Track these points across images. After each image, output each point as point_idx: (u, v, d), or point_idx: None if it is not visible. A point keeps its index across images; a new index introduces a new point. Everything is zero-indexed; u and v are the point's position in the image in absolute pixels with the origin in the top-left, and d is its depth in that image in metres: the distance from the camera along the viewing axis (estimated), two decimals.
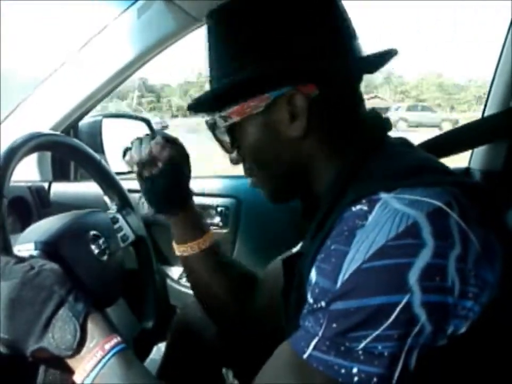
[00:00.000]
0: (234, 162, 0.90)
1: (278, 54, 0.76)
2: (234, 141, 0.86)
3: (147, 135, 1.07)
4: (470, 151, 1.81)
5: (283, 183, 0.86)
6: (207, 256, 1.11)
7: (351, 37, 0.80)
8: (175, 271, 1.92)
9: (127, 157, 1.06)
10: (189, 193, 1.11)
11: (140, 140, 1.06)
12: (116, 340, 0.78)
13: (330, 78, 0.78)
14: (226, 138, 0.86)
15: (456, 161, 1.50)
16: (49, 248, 0.98)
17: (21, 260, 0.83)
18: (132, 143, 1.07)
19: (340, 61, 0.78)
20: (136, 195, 1.76)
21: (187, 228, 1.10)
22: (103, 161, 1.32)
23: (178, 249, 1.12)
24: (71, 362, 0.77)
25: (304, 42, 0.76)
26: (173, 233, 1.12)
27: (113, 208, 1.34)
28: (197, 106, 0.88)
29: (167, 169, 1.04)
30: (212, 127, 0.87)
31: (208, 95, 0.84)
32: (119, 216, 1.31)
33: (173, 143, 1.06)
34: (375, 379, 0.60)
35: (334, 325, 0.61)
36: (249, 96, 0.79)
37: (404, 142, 0.83)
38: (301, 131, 0.77)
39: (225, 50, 0.81)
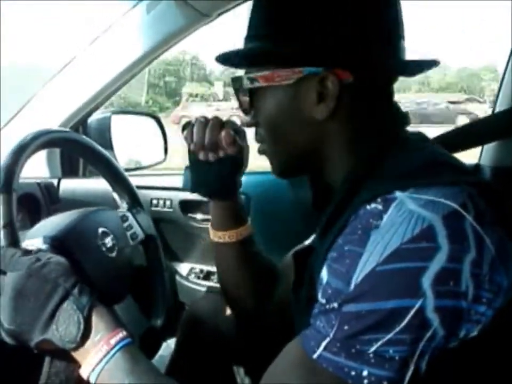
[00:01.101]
0: (247, 125, 0.89)
1: (322, 32, 0.73)
2: (253, 105, 0.84)
3: (215, 118, 1.02)
4: (480, 148, 1.80)
5: (292, 160, 0.84)
6: (241, 246, 1.10)
7: (399, 36, 0.78)
8: (184, 268, 1.93)
9: (187, 133, 1.02)
10: (238, 184, 1.09)
11: (206, 119, 1.02)
12: (122, 334, 0.78)
13: (367, 70, 0.76)
14: (247, 100, 0.85)
15: (466, 157, 1.49)
16: (58, 243, 0.98)
17: (27, 252, 0.83)
18: (196, 119, 1.03)
19: (382, 57, 0.76)
20: (145, 191, 1.77)
21: (229, 216, 1.09)
22: (112, 159, 1.32)
23: (216, 235, 1.10)
24: (76, 355, 0.78)
25: (352, 28, 0.73)
26: (213, 218, 1.11)
27: (123, 206, 1.34)
28: (226, 59, 0.85)
29: (227, 160, 1.02)
30: (237, 84, 0.85)
31: (242, 52, 0.82)
32: (129, 214, 1.31)
33: (240, 136, 1.02)
34: (385, 382, 0.59)
35: (346, 327, 0.60)
36: (282, 65, 0.77)
37: (420, 137, 0.82)
38: (325, 114, 0.75)
39: (272, 12, 0.78)
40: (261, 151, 0.88)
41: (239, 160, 1.04)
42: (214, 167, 1.02)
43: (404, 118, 0.82)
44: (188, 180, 1.07)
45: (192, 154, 1.04)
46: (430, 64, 0.82)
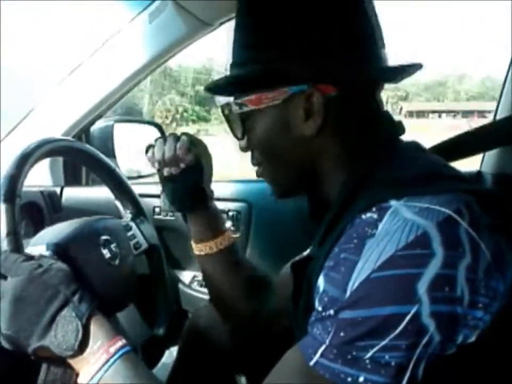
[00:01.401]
0: (242, 150, 0.89)
1: (301, 50, 0.75)
2: (245, 129, 0.85)
3: (171, 134, 1.07)
4: (481, 155, 1.80)
5: (289, 178, 0.85)
6: (223, 255, 1.11)
7: (378, 44, 0.79)
8: (187, 276, 1.93)
9: (149, 154, 1.06)
10: (209, 194, 1.11)
11: (164, 138, 1.06)
12: (121, 342, 0.78)
13: (350, 81, 0.77)
14: (238, 125, 0.86)
15: (468, 164, 1.49)
16: (61, 250, 0.99)
17: (30, 258, 0.84)
18: (155, 141, 1.07)
19: (363, 67, 0.77)
20: (148, 199, 1.78)
21: (205, 227, 1.10)
22: (116, 168, 1.32)
23: (196, 248, 1.12)
24: (74, 363, 0.78)
25: (329, 43, 0.74)
26: (191, 232, 1.12)
27: (126, 216, 1.34)
28: (214, 88, 0.88)
29: (189, 170, 1.05)
30: (226, 111, 0.87)
31: (228, 80, 0.84)
32: (132, 224, 1.31)
33: (197, 145, 1.06)
34: None
35: (342, 334, 0.61)
36: (267, 87, 0.78)
37: (416, 146, 0.82)
38: (314, 130, 0.77)
39: (250, 38, 0.80)
40: (258, 174, 0.89)
41: (201, 169, 1.07)
42: (179, 181, 1.07)
43: (396, 127, 0.83)
44: (163, 202, 1.11)
45: (159, 174, 1.09)
46: (413, 68, 0.83)
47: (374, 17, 0.80)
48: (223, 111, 0.88)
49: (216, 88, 0.87)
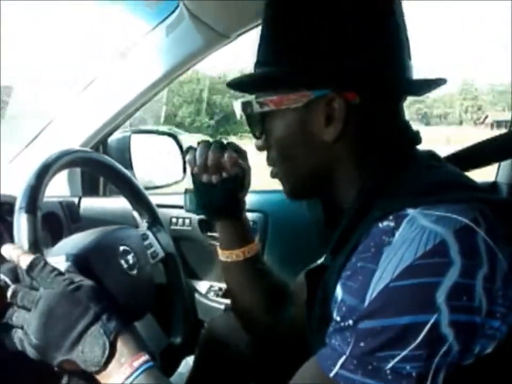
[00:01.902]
0: (259, 149, 0.90)
1: (327, 54, 0.75)
2: (264, 129, 0.86)
3: (216, 142, 1.05)
4: (496, 165, 1.79)
5: (304, 181, 0.85)
6: (249, 264, 1.11)
7: (405, 56, 0.79)
8: (203, 286, 1.93)
9: (189, 157, 1.05)
10: (242, 204, 1.11)
11: (208, 143, 1.05)
12: (145, 357, 0.78)
13: (374, 91, 0.77)
14: (258, 124, 0.86)
15: (483, 175, 1.48)
16: (80, 260, 1.00)
17: (61, 272, 0.85)
18: (198, 143, 1.06)
19: (388, 77, 0.77)
20: (165, 210, 1.78)
21: (235, 235, 1.11)
22: (133, 178, 1.34)
23: (223, 255, 1.12)
24: (100, 377, 0.78)
25: (356, 50, 0.74)
26: (219, 238, 1.13)
27: (143, 225, 1.35)
28: (236, 85, 0.88)
29: (229, 180, 1.05)
30: (247, 108, 0.86)
31: (252, 77, 0.84)
32: (149, 233, 1.32)
33: (242, 157, 1.05)
34: None
35: (362, 344, 0.60)
36: (290, 89, 0.78)
37: (431, 156, 0.82)
38: (333, 136, 0.77)
39: (278, 38, 0.80)
40: (273, 174, 0.89)
41: (241, 180, 1.07)
42: (217, 188, 1.05)
43: (413, 137, 0.83)
44: (190, 202, 1.09)
45: (195, 177, 1.07)
46: (437, 83, 0.83)
47: (403, 27, 0.80)
48: (244, 109, 0.87)
49: (239, 85, 0.88)
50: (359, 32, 0.75)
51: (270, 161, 0.89)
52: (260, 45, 0.83)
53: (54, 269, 0.84)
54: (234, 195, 1.08)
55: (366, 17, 0.76)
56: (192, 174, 1.08)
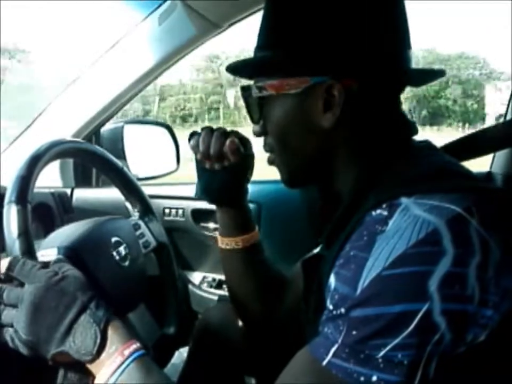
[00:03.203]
0: (256, 134, 0.90)
1: (329, 41, 0.75)
2: (262, 114, 0.85)
3: (220, 129, 1.04)
4: (491, 155, 1.79)
5: (301, 168, 0.85)
6: (248, 253, 1.11)
7: (405, 45, 0.79)
8: (197, 277, 1.93)
9: (193, 143, 1.04)
10: (244, 191, 1.11)
11: (211, 130, 1.04)
12: (135, 345, 0.78)
13: (373, 79, 0.77)
14: (256, 109, 0.86)
15: (478, 165, 1.48)
16: (72, 253, 0.99)
17: (45, 265, 0.84)
18: (202, 129, 1.05)
19: (388, 65, 0.77)
20: (158, 200, 1.78)
21: (236, 223, 1.10)
22: (125, 168, 1.33)
23: (222, 242, 1.12)
24: (91, 367, 0.78)
25: (356, 37, 0.74)
26: (220, 225, 1.12)
27: (135, 214, 1.35)
28: (236, 69, 0.88)
29: (232, 169, 1.04)
30: (245, 93, 0.87)
31: (251, 61, 0.84)
32: (141, 222, 1.32)
33: (245, 145, 1.04)
34: None
35: (354, 332, 0.61)
36: (290, 74, 0.78)
37: (428, 145, 0.82)
38: (331, 122, 0.76)
39: (278, 23, 0.80)
40: (270, 161, 0.89)
41: (244, 168, 1.07)
42: (220, 175, 1.05)
43: (410, 127, 0.83)
44: (196, 188, 1.08)
45: (199, 163, 1.07)
46: (436, 74, 0.83)
47: (403, 17, 0.80)
48: (242, 93, 0.87)
49: (239, 69, 0.88)
50: (359, 20, 0.75)
51: (267, 147, 0.88)
52: (260, 30, 0.83)
53: (36, 263, 0.84)
54: (236, 183, 1.07)
55: (366, 5, 0.76)
56: (196, 161, 1.07)
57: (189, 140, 1.05)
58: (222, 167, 1.04)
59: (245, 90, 0.87)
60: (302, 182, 0.89)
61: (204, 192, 1.08)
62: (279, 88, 0.80)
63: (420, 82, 0.87)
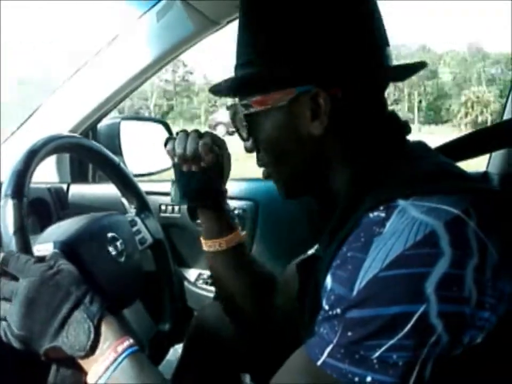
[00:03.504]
0: (248, 150, 0.89)
1: (308, 51, 0.75)
2: (251, 130, 0.85)
3: (194, 131, 1.05)
4: (488, 155, 1.79)
5: (296, 179, 0.85)
6: (232, 253, 1.11)
7: (383, 44, 0.79)
8: (193, 273, 1.93)
9: (169, 146, 1.04)
10: (224, 193, 1.11)
11: (186, 133, 1.04)
12: (128, 342, 0.78)
13: (356, 82, 0.77)
14: (244, 127, 0.85)
15: (474, 165, 1.48)
16: (68, 248, 0.99)
17: (40, 259, 0.84)
18: (176, 133, 1.06)
19: (368, 67, 0.77)
20: (154, 197, 1.78)
21: (217, 224, 1.10)
22: (121, 164, 1.33)
23: (206, 244, 1.12)
24: (84, 363, 0.78)
25: (334, 44, 0.75)
26: (202, 228, 1.13)
27: (131, 211, 1.34)
28: (219, 89, 0.88)
29: (209, 170, 1.04)
30: (232, 112, 0.87)
31: (233, 81, 0.84)
32: (137, 219, 1.32)
33: (219, 145, 1.05)
34: None
35: (349, 333, 0.61)
36: (274, 88, 0.78)
37: (422, 146, 0.82)
38: (320, 130, 0.76)
39: (254, 39, 0.80)
40: (265, 175, 0.89)
41: (220, 169, 1.08)
42: (197, 178, 1.06)
43: (403, 127, 0.83)
44: (174, 193, 1.09)
45: (176, 167, 1.08)
46: (417, 67, 0.84)
47: (377, 14, 0.80)
48: (229, 113, 0.87)
49: (222, 89, 0.87)
50: (335, 27, 0.75)
51: (260, 162, 0.88)
52: (238, 47, 0.83)
53: (30, 258, 0.84)
54: (213, 184, 1.08)
55: (341, 11, 0.76)
56: (173, 165, 1.08)
57: (165, 144, 1.06)
58: (199, 168, 1.04)
59: (231, 109, 0.87)
60: (299, 192, 0.89)
61: (184, 195, 1.09)
62: (264, 103, 0.80)
63: (401, 77, 0.88)
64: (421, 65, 0.84)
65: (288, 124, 0.79)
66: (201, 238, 1.13)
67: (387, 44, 0.80)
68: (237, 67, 0.83)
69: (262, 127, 0.83)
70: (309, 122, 0.77)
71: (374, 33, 0.78)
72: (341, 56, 0.75)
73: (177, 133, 1.06)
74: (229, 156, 1.09)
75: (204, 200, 1.09)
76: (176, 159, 1.05)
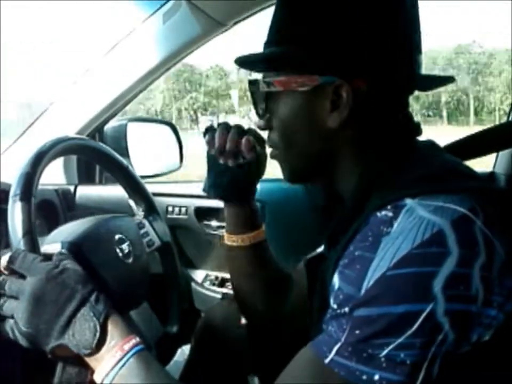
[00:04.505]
0: (261, 128, 0.90)
1: (340, 41, 0.74)
2: (268, 109, 0.85)
3: (237, 126, 1.04)
4: (495, 155, 1.79)
5: (303, 166, 0.85)
6: (254, 250, 1.10)
7: (416, 49, 0.79)
8: (200, 275, 1.93)
9: (209, 137, 1.04)
10: (254, 190, 1.11)
11: (228, 126, 1.04)
12: (135, 340, 0.78)
13: (382, 81, 0.77)
14: (262, 104, 0.86)
15: (481, 165, 1.48)
16: (75, 248, 0.99)
17: (46, 257, 0.85)
18: (218, 125, 1.05)
19: (398, 69, 0.77)
20: (161, 198, 1.78)
21: (243, 220, 1.10)
22: (129, 166, 1.33)
23: (229, 239, 1.11)
24: (91, 361, 0.78)
25: (369, 39, 0.74)
26: (227, 222, 1.12)
27: (139, 213, 1.35)
28: (245, 62, 0.87)
29: (246, 166, 1.04)
30: (253, 87, 0.87)
31: (261, 56, 0.83)
32: (145, 221, 1.32)
33: (260, 144, 1.04)
34: None
35: (357, 332, 0.61)
36: (299, 71, 0.78)
37: (431, 145, 0.82)
38: (338, 123, 0.76)
39: (292, 19, 0.79)
40: (272, 156, 0.89)
41: (257, 167, 1.06)
42: (232, 172, 1.04)
43: (415, 128, 0.83)
44: (207, 183, 1.08)
45: (211, 157, 1.06)
46: (444, 80, 0.84)
47: (416, 21, 0.80)
48: (250, 87, 0.87)
49: (248, 63, 0.87)
50: (370, 22, 0.75)
51: (270, 142, 0.88)
52: (271, 25, 0.83)
53: (37, 256, 0.84)
54: (246, 181, 1.07)
55: (378, 8, 0.75)
56: (208, 155, 1.07)
57: (204, 134, 1.05)
58: (236, 164, 1.04)
59: (253, 84, 0.87)
60: (303, 178, 0.90)
61: (213, 187, 1.07)
62: (287, 85, 0.79)
63: (427, 87, 0.87)
64: (448, 80, 0.84)
65: (305, 110, 0.79)
66: (224, 232, 1.13)
67: (419, 51, 0.80)
68: (267, 43, 0.83)
69: (279, 107, 0.82)
70: (327, 113, 0.77)
71: (408, 37, 0.78)
72: (370, 52, 0.74)
73: (218, 124, 1.05)
74: (266, 155, 1.07)
75: (234, 195, 1.08)
76: (214, 151, 1.04)
